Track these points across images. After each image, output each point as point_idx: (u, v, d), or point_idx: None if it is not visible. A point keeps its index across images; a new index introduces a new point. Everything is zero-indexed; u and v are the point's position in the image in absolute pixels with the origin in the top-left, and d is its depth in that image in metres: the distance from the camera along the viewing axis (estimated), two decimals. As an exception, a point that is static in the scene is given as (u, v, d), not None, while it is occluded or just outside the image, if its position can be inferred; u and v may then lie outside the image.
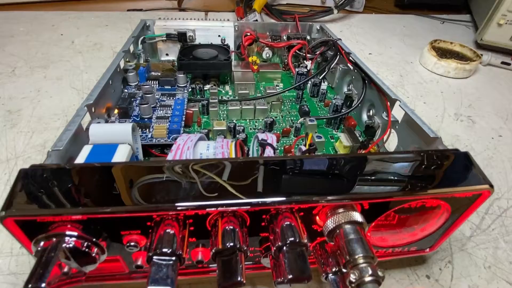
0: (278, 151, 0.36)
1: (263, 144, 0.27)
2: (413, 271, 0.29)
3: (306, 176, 0.21)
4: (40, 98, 0.49)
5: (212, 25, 0.51)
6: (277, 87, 0.49)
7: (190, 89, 0.44)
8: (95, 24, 0.72)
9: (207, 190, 0.19)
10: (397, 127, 0.32)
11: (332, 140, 0.38)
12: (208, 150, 0.27)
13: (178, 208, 0.18)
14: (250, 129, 0.39)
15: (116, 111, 0.34)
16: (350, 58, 0.42)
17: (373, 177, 0.21)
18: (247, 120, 0.41)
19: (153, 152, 0.32)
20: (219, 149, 0.26)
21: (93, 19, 0.74)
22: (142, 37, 0.47)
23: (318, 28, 0.54)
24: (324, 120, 0.40)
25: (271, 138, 0.29)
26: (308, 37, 0.55)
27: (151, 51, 0.52)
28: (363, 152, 0.29)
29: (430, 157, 0.23)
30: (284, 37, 0.54)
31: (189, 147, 0.25)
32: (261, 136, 0.29)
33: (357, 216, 0.19)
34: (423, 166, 0.22)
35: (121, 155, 0.25)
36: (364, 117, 0.40)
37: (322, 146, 0.36)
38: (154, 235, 0.19)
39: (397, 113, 0.33)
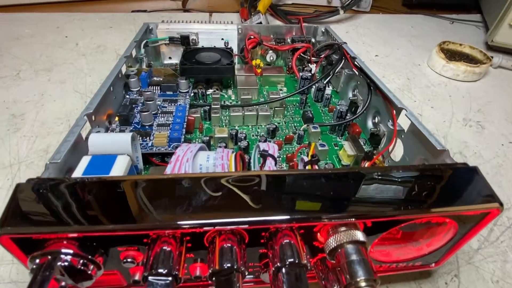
0: (280, 159, 0.35)
1: (264, 155, 0.27)
2: (418, 285, 0.28)
3: (307, 192, 0.20)
4: (43, 102, 0.49)
5: (215, 28, 0.50)
6: (280, 91, 0.49)
7: (192, 94, 0.43)
8: (99, 26, 0.71)
9: (204, 206, 0.19)
10: (403, 136, 0.31)
11: (336, 148, 0.37)
12: (208, 161, 0.26)
13: (174, 226, 0.18)
14: (253, 135, 0.39)
15: (117, 118, 0.34)
16: (356, 62, 0.41)
17: (376, 194, 0.20)
18: (250, 126, 0.40)
19: (154, 161, 0.31)
20: (219, 160, 0.25)
21: (97, 20, 0.74)
22: (144, 41, 0.47)
23: (323, 30, 0.53)
24: (328, 126, 0.39)
25: (272, 148, 0.28)
26: (313, 40, 0.54)
27: (154, 55, 0.51)
28: (367, 163, 0.28)
29: (436, 172, 0.22)
30: (288, 40, 0.53)
31: (188, 159, 0.24)
32: (263, 146, 0.28)
33: (360, 236, 0.19)
34: (428, 182, 0.22)
35: (119, 167, 0.25)
36: (369, 124, 0.39)
37: (326, 155, 0.35)
38: (150, 252, 0.18)
39: (404, 121, 0.32)
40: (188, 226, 0.18)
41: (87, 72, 0.56)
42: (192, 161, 0.26)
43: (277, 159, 0.35)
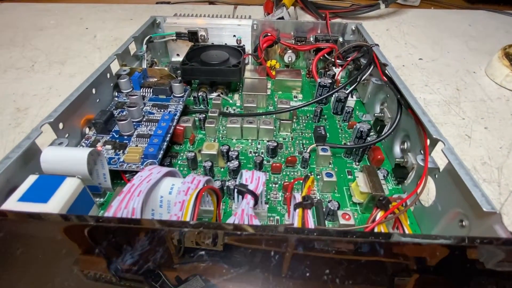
0: (277, 186, 0.29)
1: (241, 192, 0.21)
2: None
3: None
4: (49, 96, 0.47)
5: (226, 23, 0.45)
6: (295, 99, 0.42)
7: (192, 98, 0.38)
8: (120, 18, 0.70)
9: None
10: (436, 176, 0.24)
11: (349, 177, 0.30)
12: (171, 193, 0.21)
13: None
14: (251, 152, 0.33)
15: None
16: (386, 71, 0.33)
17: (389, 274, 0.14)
18: (249, 141, 0.34)
19: (125, 179, 0.27)
20: (181, 195, 0.20)
21: (120, 12, 0.72)
22: (148, 37, 0.43)
23: (354, 28, 0.45)
24: (344, 148, 0.32)
25: (256, 180, 0.22)
26: (341, 39, 0.46)
27: (163, 51, 0.47)
28: (379, 215, 0.21)
29: (475, 252, 0.15)
30: (311, 39, 0.46)
31: (141, 192, 0.19)
32: (245, 176, 0.23)
33: None
34: (462, 265, 0.14)
35: (64, 192, 0.21)
36: (397, 150, 0.31)
37: (333, 187, 0.28)
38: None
39: (440, 156, 0.24)
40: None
41: (98, 66, 0.54)
42: (150, 192, 0.21)
43: (274, 185, 0.29)
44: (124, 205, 0.19)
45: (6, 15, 0.72)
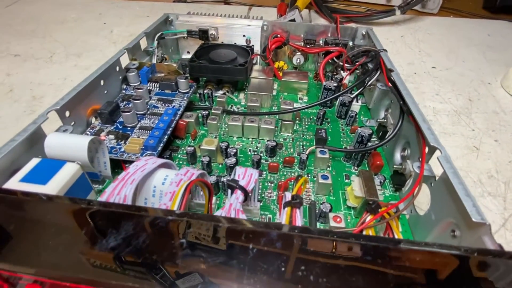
0: (272, 185, 0.29)
1: (231, 186, 0.21)
2: None
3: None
4: (64, 87, 0.49)
5: (237, 23, 0.45)
6: (300, 101, 0.42)
7: (198, 95, 0.39)
8: (137, 14, 0.72)
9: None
10: (432, 184, 0.23)
11: (346, 181, 0.30)
12: (164, 184, 0.22)
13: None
14: (250, 151, 0.33)
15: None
16: (391, 77, 0.33)
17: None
18: (250, 139, 0.35)
19: (124, 169, 0.28)
20: (173, 185, 0.21)
21: (138, 9, 0.74)
22: (159, 33, 0.44)
23: (364, 33, 0.45)
24: (343, 152, 0.32)
25: (248, 177, 0.22)
26: (351, 43, 0.46)
27: (175, 48, 0.49)
28: (368, 218, 0.21)
29: (463, 261, 0.15)
30: (321, 42, 0.46)
31: (134, 180, 0.20)
32: (238, 172, 0.23)
33: None
34: (449, 275, 0.14)
35: (63, 176, 0.21)
36: (397, 156, 0.30)
37: (328, 190, 0.28)
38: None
39: (437, 164, 0.24)
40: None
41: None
42: (144, 181, 0.21)
43: (270, 184, 0.29)
44: (117, 191, 0.20)
45: (31, 8, 0.75)
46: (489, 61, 0.59)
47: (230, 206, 0.20)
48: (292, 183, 0.26)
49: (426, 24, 0.72)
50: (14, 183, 0.21)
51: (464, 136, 0.41)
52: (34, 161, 0.22)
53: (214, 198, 0.27)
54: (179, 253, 0.15)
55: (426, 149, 0.24)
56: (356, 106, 0.39)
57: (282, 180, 0.29)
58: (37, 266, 0.14)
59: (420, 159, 0.25)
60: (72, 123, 0.28)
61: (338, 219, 0.24)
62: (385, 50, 0.38)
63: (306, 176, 0.29)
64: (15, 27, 0.66)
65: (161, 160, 0.23)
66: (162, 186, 0.22)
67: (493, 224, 0.32)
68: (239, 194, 0.21)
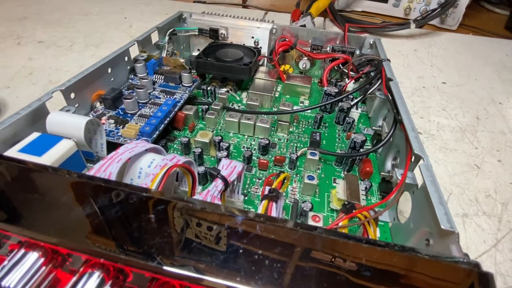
0: (260, 181, 0.30)
1: (212, 175, 0.22)
2: None
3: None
4: (79, 74, 0.52)
5: (246, 24, 0.47)
6: (301, 104, 0.43)
7: (201, 90, 0.40)
8: (158, 12, 0.74)
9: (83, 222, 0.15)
10: (414, 192, 0.23)
11: (334, 184, 0.30)
12: (150, 166, 0.23)
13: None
14: (243, 147, 0.34)
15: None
16: (390, 85, 0.33)
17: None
18: (245, 136, 0.35)
19: (119, 152, 0.29)
20: (157, 169, 0.22)
21: (158, 6, 0.77)
22: (171, 29, 0.45)
23: (371, 42, 0.45)
24: (335, 156, 0.32)
25: (231, 169, 0.23)
26: (358, 52, 0.46)
27: (186, 45, 0.50)
28: (343, 217, 0.21)
29: (426, 266, 0.15)
30: (328, 49, 0.47)
31: (121, 160, 0.21)
32: (223, 163, 0.24)
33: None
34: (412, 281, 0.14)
35: (57, 151, 0.23)
36: (388, 165, 0.30)
37: (313, 190, 0.28)
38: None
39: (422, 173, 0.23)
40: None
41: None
42: (132, 163, 0.22)
43: (258, 181, 0.30)
44: (104, 168, 0.21)
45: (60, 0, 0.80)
46: (503, 81, 0.57)
47: (208, 193, 0.21)
48: (274, 178, 0.27)
49: (442, 39, 0.71)
50: (13, 152, 0.22)
51: (465, 153, 0.41)
52: (34, 135, 0.24)
53: (200, 188, 0.28)
54: (148, 228, 0.16)
55: (413, 158, 0.24)
56: (355, 114, 0.39)
57: (266, 177, 0.30)
58: (21, 226, 0.16)
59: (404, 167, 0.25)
60: (76, 105, 0.30)
61: (317, 219, 0.24)
62: (388, 60, 0.38)
63: (287, 173, 0.30)
64: (43, 16, 0.70)
65: (151, 145, 0.24)
66: (148, 168, 0.23)
67: (484, 243, 0.31)
68: (219, 183, 0.22)
